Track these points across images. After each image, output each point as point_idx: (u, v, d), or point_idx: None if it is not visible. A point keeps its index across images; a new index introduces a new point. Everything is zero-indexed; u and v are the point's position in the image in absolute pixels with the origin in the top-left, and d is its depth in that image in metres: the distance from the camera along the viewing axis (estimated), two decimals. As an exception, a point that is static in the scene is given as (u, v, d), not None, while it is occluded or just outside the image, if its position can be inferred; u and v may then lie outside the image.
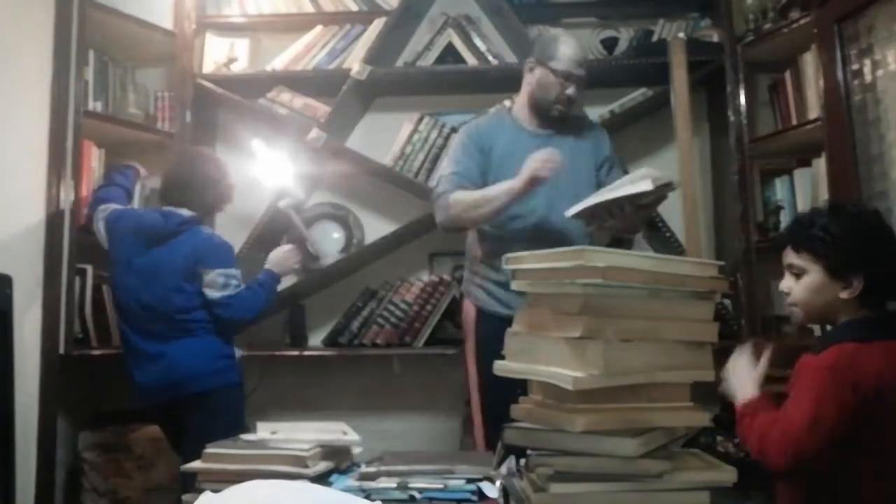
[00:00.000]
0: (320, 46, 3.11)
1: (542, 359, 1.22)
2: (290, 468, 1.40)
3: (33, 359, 2.47)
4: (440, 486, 1.36)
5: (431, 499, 1.34)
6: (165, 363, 2.33)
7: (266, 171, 2.94)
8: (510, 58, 3.11)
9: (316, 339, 3.11)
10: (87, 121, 2.67)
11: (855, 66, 2.26)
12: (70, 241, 2.57)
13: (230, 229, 2.81)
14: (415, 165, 3.00)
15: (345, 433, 1.59)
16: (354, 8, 3.15)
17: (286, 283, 3.05)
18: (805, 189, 2.69)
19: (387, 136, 3.10)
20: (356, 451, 1.64)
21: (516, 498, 1.27)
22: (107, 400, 2.73)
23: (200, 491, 1.32)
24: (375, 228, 3.13)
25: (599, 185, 2.27)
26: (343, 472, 1.53)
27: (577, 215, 2.05)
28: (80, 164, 2.63)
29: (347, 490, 1.33)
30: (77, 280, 2.58)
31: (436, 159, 2.99)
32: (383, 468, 1.42)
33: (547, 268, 1.26)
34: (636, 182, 1.90)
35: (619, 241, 2.30)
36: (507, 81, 2.95)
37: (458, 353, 2.61)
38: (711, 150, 3.15)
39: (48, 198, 2.56)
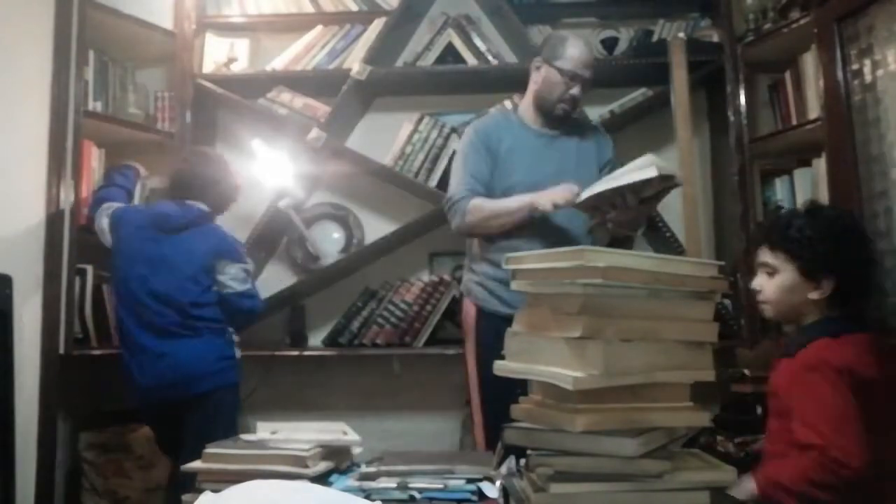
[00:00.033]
0: (320, 46, 3.11)
1: (542, 359, 1.22)
2: (290, 468, 1.40)
3: (33, 359, 2.47)
4: (440, 486, 1.36)
5: (431, 499, 1.33)
6: (168, 363, 2.33)
7: (266, 171, 2.94)
8: (510, 58, 3.12)
9: (316, 339, 3.11)
10: (87, 121, 2.67)
11: (855, 66, 2.25)
12: (70, 241, 2.57)
13: (230, 229, 2.81)
14: (415, 165, 3.00)
15: (345, 433, 1.58)
16: (354, 8, 3.15)
17: (286, 282, 3.07)
18: (805, 189, 2.69)
19: (387, 136, 3.10)
20: (356, 451, 1.64)
21: (516, 498, 1.27)
22: (107, 400, 2.72)
23: (200, 491, 1.32)
24: (375, 228, 3.13)
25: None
26: (343, 472, 1.53)
27: (581, 206, 2.06)
28: (80, 164, 2.63)
29: (347, 490, 1.32)
30: (77, 280, 2.58)
31: (436, 159, 2.99)
32: (383, 468, 1.42)
33: (547, 268, 1.26)
34: (643, 169, 1.90)
35: (620, 242, 2.30)
36: (506, 81, 2.96)
37: (458, 353, 2.61)
38: (711, 150, 3.15)
39: (48, 198, 2.56)
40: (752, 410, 2.36)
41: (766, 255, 1.69)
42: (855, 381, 1.51)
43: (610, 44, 3.12)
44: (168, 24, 3.00)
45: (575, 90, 2.30)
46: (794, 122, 2.72)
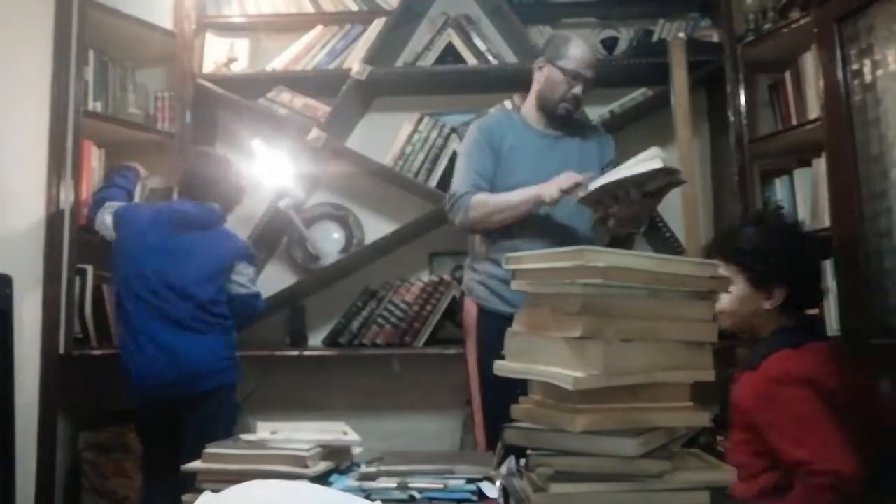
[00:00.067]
0: (320, 46, 3.11)
1: (542, 359, 1.22)
2: (290, 468, 1.40)
3: (33, 359, 2.48)
4: (440, 486, 1.36)
5: (431, 499, 1.33)
6: (172, 360, 2.33)
7: (266, 171, 2.94)
8: (510, 58, 3.12)
9: (316, 339, 3.11)
10: (87, 121, 2.67)
11: (855, 66, 2.25)
12: (70, 241, 2.57)
13: (231, 229, 2.81)
14: (415, 165, 3.00)
15: (345, 433, 1.58)
16: (354, 8, 3.15)
17: (286, 282, 3.07)
18: (805, 189, 2.69)
19: (387, 136, 3.10)
20: (356, 451, 1.64)
21: (516, 498, 1.27)
22: (106, 400, 2.72)
23: (200, 491, 1.32)
24: (375, 228, 3.13)
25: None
26: (343, 472, 1.53)
27: (584, 200, 2.06)
28: (80, 164, 2.63)
29: (347, 490, 1.32)
30: (77, 280, 2.58)
31: (436, 159, 2.99)
32: (383, 468, 1.42)
33: (547, 268, 1.26)
34: (648, 160, 1.91)
35: (621, 241, 2.30)
36: (506, 81, 2.96)
37: (458, 353, 2.61)
38: (711, 150, 3.15)
39: (48, 198, 2.56)
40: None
41: (721, 268, 1.70)
42: (818, 390, 1.51)
43: (610, 44, 3.12)
44: (168, 24, 3.00)
45: (577, 90, 2.31)
46: (794, 122, 2.72)
